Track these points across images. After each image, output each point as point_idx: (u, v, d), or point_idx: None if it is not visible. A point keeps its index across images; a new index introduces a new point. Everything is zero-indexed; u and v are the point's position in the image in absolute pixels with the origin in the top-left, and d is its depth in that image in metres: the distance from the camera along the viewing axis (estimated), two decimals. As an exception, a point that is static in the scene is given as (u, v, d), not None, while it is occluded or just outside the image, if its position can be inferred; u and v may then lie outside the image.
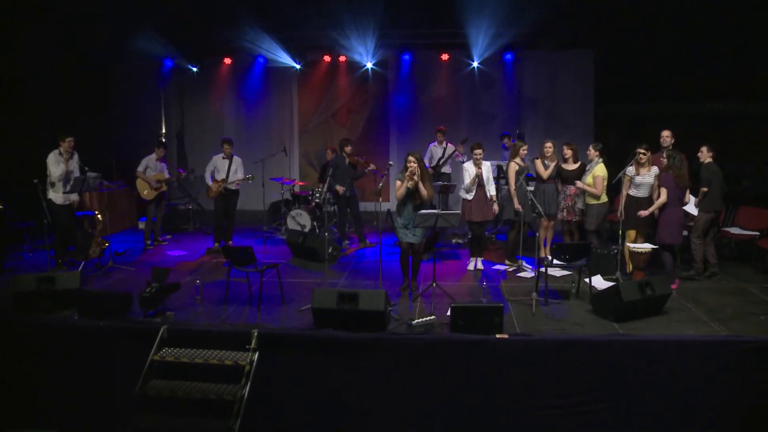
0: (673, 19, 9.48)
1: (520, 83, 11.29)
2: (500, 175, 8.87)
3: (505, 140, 9.73)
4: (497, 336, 4.96)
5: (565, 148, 7.39)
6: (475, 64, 10.96)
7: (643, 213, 6.55)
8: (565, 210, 7.36)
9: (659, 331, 5.26)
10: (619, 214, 6.80)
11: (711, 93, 10.25)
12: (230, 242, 8.66)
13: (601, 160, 7.13)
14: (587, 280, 6.35)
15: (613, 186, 7.07)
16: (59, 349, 5.20)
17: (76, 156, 7.55)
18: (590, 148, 7.25)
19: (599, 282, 6.52)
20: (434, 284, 6.18)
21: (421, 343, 4.96)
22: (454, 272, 7.40)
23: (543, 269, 6.22)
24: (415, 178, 6.12)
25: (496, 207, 7.40)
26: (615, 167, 7.22)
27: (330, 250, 7.53)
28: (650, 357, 4.82)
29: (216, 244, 8.54)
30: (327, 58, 11.40)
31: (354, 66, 11.36)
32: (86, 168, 7.53)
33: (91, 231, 7.88)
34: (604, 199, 7.11)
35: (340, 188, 8.45)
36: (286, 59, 11.24)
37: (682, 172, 6.44)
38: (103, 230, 7.66)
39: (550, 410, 4.81)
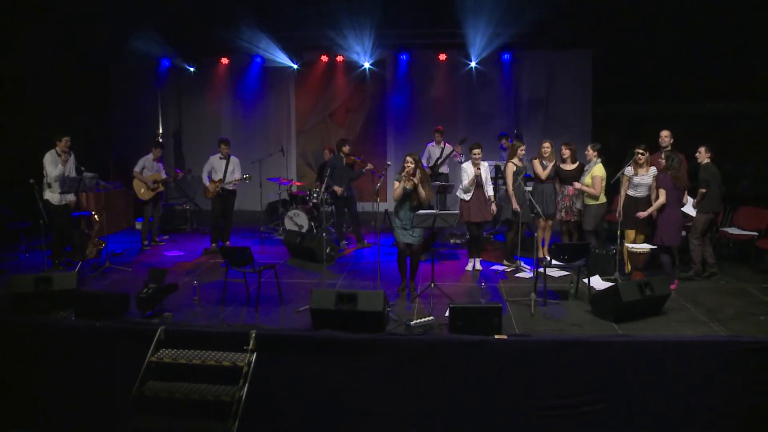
0: (673, 19, 9.48)
1: (518, 83, 11.28)
2: (498, 176, 8.85)
3: (503, 141, 9.72)
4: (496, 337, 4.94)
5: (563, 148, 7.37)
6: (473, 64, 10.95)
7: (642, 214, 6.54)
8: (563, 210, 7.35)
9: (659, 332, 5.25)
10: (617, 215, 6.79)
11: (711, 93, 10.25)
12: (228, 243, 8.64)
13: (599, 160, 7.11)
14: (586, 280, 6.34)
15: (612, 186, 7.06)
16: (56, 350, 5.16)
17: (72, 156, 7.51)
18: (588, 148, 7.24)
19: (598, 282, 6.51)
20: (433, 285, 6.16)
21: (419, 344, 4.93)
22: (453, 273, 7.38)
23: (541, 270, 6.20)
24: (414, 179, 6.10)
25: (494, 207, 7.38)
26: (614, 167, 7.21)
27: (328, 251, 7.51)
28: (650, 357, 4.80)
29: (213, 245, 8.51)
30: (324, 58, 11.39)
31: (351, 66, 11.35)
32: (83, 168, 7.50)
33: (88, 231, 7.84)
34: (603, 199, 7.09)
35: (338, 189, 8.42)
36: (283, 59, 11.22)
37: (680, 174, 6.43)
38: (100, 230, 7.62)
39: (549, 411, 4.79)
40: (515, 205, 7.26)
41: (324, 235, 7.08)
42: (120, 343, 5.09)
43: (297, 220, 9.05)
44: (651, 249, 6.42)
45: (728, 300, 6.13)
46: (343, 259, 8.05)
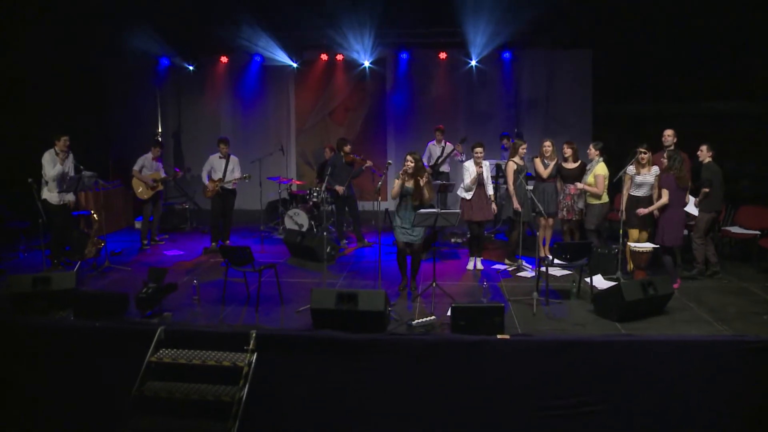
0: (673, 19, 9.46)
1: (518, 82, 11.26)
2: (499, 174, 8.82)
3: (505, 141, 9.68)
4: (498, 336, 4.91)
5: (565, 147, 7.35)
6: (473, 62, 10.92)
7: (643, 211, 6.51)
8: (564, 209, 7.32)
9: (662, 331, 5.23)
10: (620, 214, 6.76)
11: (711, 93, 10.21)
12: (227, 242, 8.60)
13: (601, 159, 7.09)
14: (587, 279, 6.31)
15: (614, 185, 7.04)
16: (56, 350, 5.13)
17: (71, 156, 7.47)
18: (590, 147, 7.21)
19: (600, 281, 6.48)
20: (434, 284, 6.13)
21: (421, 344, 4.91)
22: (454, 272, 7.36)
23: (543, 269, 6.17)
24: (412, 179, 6.08)
25: (494, 206, 7.36)
26: (614, 167, 7.18)
27: (328, 250, 7.48)
28: (653, 357, 4.78)
29: (213, 244, 8.48)
30: (324, 57, 11.35)
31: (351, 64, 11.31)
32: (81, 167, 7.46)
33: (87, 230, 7.80)
34: (605, 198, 7.07)
35: (339, 188, 8.39)
36: (283, 58, 11.18)
37: (682, 174, 6.41)
38: (99, 230, 7.59)
39: (551, 411, 4.77)
40: (516, 204, 7.24)
41: (324, 234, 7.05)
42: (119, 343, 5.06)
43: (297, 219, 9.02)
44: (653, 248, 6.39)
45: (731, 299, 6.11)
46: (343, 259, 8.03)
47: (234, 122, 11.86)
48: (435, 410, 4.82)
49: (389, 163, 7.64)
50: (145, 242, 8.73)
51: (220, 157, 8.48)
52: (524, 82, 11.27)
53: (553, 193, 7.45)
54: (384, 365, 4.89)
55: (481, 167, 7.17)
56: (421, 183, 6.18)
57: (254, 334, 4.85)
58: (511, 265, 7.47)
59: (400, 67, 11.33)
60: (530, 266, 7.33)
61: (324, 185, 7.55)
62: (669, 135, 7.01)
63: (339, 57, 11.22)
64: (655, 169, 6.67)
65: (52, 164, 7.29)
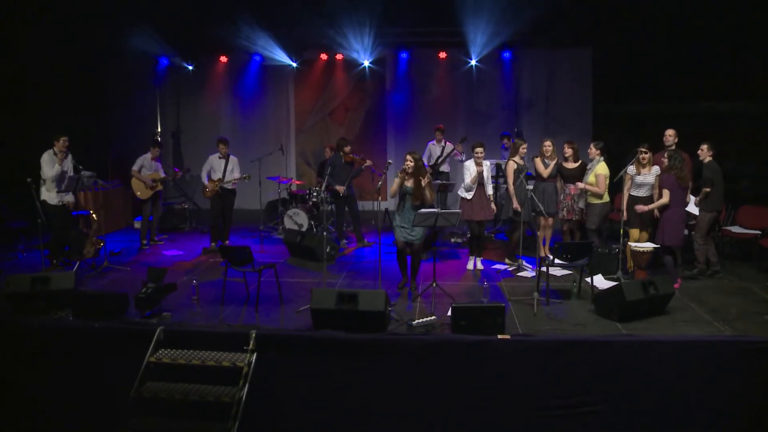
0: (673, 19, 9.46)
1: (518, 82, 11.25)
2: (499, 174, 8.81)
3: (505, 140, 9.67)
4: (499, 337, 4.89)
5: (565, 146, 7.33)
6: (473, 62, 10.91)
7: (641, 208, 6.49)
8: (564, 209, 7.31)
9: (663, 332, 5.21)
10: (621, 214, 6.74)
11: (711, 93, 10.22)
12: (227, 242, 8.58)
13: (602, 158, 7.07)
14: (588, 279, 6.29)
15: (615, 185, 7.02)
16: (54, 350, 5.11)
17: (69, 156, 7.45)
18: (591, 146, 7.20)
19: (600, 281, 6.47)
20: (434, 284, 6.11)
21: (421, 344, 4.89)
22: (454, 272, 7.34)
23: (544, 269, 6.16)
24: (422, 181, 6.07)
25: (493, 206, 7.35)
26: (614, 167, 7.17)
27: (328, 250, 7.46)
28: (653, 357, 4.77)
29: (213, 244, 8.46)
30: (324, 56, 11.34)
31: (351, 64, 11.30)
32: (80, 167, 7.44)
33: (86, 230, 7.78)
34: (606, 198, 7.05)
35: (340, 188, 8.37)
36: (282, 57, 11.16)
37: (683, 173, 6.40)
38: (98, 230, 7.56)
39: (552, 411, 4.76)
40: (515, 204, 7.22)
41: (324, 234, 7.03)
42: (118, 343, 5.04)
43: (297, 219, 9.00)
44: (654, 248, 6.37)
45: (732, 299, 6.09)
46: (343, 258, 8.01)
47: (233, 122, 11.84)
48: (435, 410, 4.81)
49: (389, 163, 7.61)
50: (145, 242, 8.70)
51: (220, 157, 8.46)
52: (524, 82, 11.26)
53: (553, 192, 7.44)
54: (384, 365, 4.87)
55: (482, 167, 7.15)
56: (423, 183, 6.17)
57: (254, 335, 4.83)
58: (511, 265, 7.45)
59: (399, 66, 11.32)
60: (530, 266, 7.31)
61: (324, 185, 7.53)
62: (670, 135, 6.99)
63: (339, 56, 11.20)
64: (656, 169, 6.65)
65: (50, 165, 7.27)
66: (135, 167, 8.59)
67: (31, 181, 6.88)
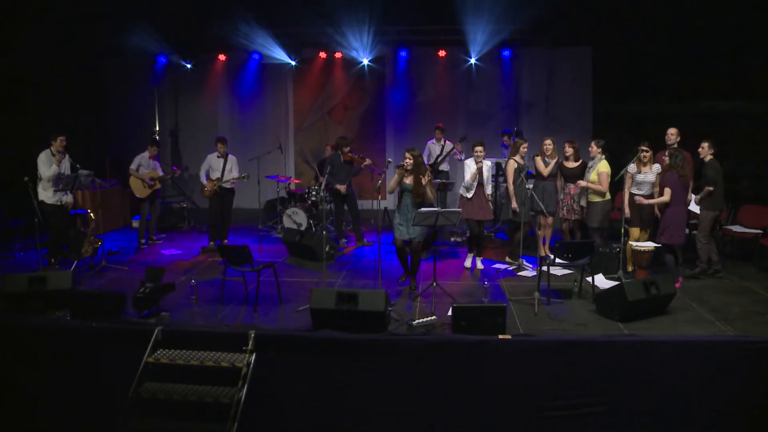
0: (673, 19, 9.44)
1: (518, 81, 11.22)
2: (499, 173, 8.78)
3: (505, 138, 9.65)
4: (500, 337, 4.86)
5: (566, 145, 7.31)
6: (473, 60, 10.87)
7: (642, 200, 6.46)
8: (564, 208, 7.28)
9: (664, 332, 5.19)
10: (622, 212, 6.71)
11: (711, 92, 10.20)
12: (226, 241, 8.54)
13: (603, 156, 7.05)
14: (589, 279, 6.26)
15: (615, 184, 6.99)
16: (52, 351, 5.07)
17: (67, 156, 7.40)
18: (592, 144, 7.18)
19: (601, 281, 6.44)
20: (434, 284, 6.07)
21: (422, 344, 4.86)
22: (454, 271, 7.31)
23: (544, 268, 6.12)
24: (423, 179, 6.04)
25: (490, 206, 7.33)
26: (614, 167, 7.15)
27: (327, 249, 7.43)
28: (655, 357, 4.75)
29: (211, 243, 8.43)
30: (323, 55, 11.30)
31: (350, 62, 11.26)
32: (78, 165, 7.39)
33: (84, 230, 7.73)
34: (608, 196, 7.03)
35: (341, 187, 8.33)
36: (281, 55, 11.12)
37: (685, 172, 6.38)
38: (96, 229, 7.52)
39: (552, 411, 4.73)
40: (514, 204, 7.19)
41: (323, 233, 6.99)
42: (116, 343, 5.00)
43: (295, 218, 8.96)
44: (655, 247, 6.35)
45: (734, 299, 6.07)
46: (342, 258, 7.97)
47: (232, 120, 11.80)
48: (435, 410, 4.78)
49: (389, 162, 7.58)
50: (143, 241, 8.66)
51: (218, 156, 8.43)
52: (524, 81, 11.24)
53: (553, 191, 7.41)
54: (384, 366, 4.85)
55: (481, 164, 7.12)
56: (423, 182, 6.14)
57: (253, 335, 4.79)
58: (512, 264, 7.43)
59: (399, 65, 11.28)
60: (531, 265, 7.28)
61: (323, 184, 7.50)
62: (672, 134, 6.96)
63: (338, 55, 11.17)
64: (656, 167, 6.63)
65: (47, 165, 7.22)
66: (133, 166, 8.55)
67: (28, 180, 6.84)
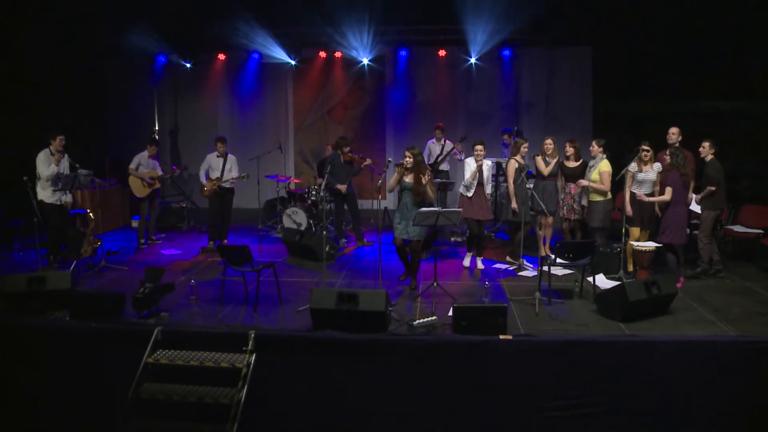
0: (673, 19, 9.43)
1: (518, 80, 11.21)
2: (499, 173, 8.76)
3: (505, 137, 9.64)
4: (501, 337, 4.85)
5: (567, 145, 7.29)
6: (473, 60, 10.85)
7: (643, 197, 6.44)
8: (565, 208, 7.27)
9: (666, 332, 5.17)
10: (626, 212, 6.68)
11: (710, 92, 10.20)
12: (225, 241, 8.53)
13: (605, 156, 7.03)
14: (590, 279, 6.25)
15: (616, 183, 6.98)
16: (51, 351, 5.05)
17: (66, 155, 7.38)
18: (593, 143, 7.16)
19: (602, 281, 6.43)
20: (435, 284, 6.06)
21: (422, 345, 4.85)
22: (454, 271, 7.29)
23: (545, 268, 6.11)
24: (423, 179, 6.02)
25: (490, 206, 7.32)
26: (614, 167, 7.14)
27: (327, 249, 7.41)
28: (657, 358, 4.73)
29: (211, 243, 8.41)
30: (323, 54, 11.28)
31: (350, 62, 11.25)
32: (77, 165, 7.37)
33: (83, 229, 7.71)
34: (609, 195, 7.02)
35: (341, 187, 8.31)
36: (281, 55, 11.10)
37: (686, 170, 6.36)
38: (96, 229, 7.49)
39: (554, 412, 4.72)
40: (514, 205, 7.18)
41: (323, 233, 6.98)
42: (116, 344, 4.98)
43: (295, 218, 8.94)
44: (656, 247, 6.33)
45: (735, 299, 6.06)
46: (342, 258, 7.95)
47: (232, 120, 11.78)
48: (436, 411, 4.76)
49: (389, 161, 7.57)
50: (142, 241, 8.64)
51: (218, 156, 8.41)
52: (524, 80, 11.23)
53: (554, 191, 7.40)
54: (385, 366, 4.83)
55: (481, 161, 7.10)
56: (423, 181, 6.12)
57: (253, 335, 4.77)
58: (513, 264, 7.41)
59: (399, 64, 11.26)
60: (531, 265, 7.26)
61: (324, 183, 7.48)
62: (674, 133, 6.95)
63: (338, 54, 11.15)
64: (657, 166, 6.63)
65: (46, 164, 7.20)
66: (132, 165, 8.53)
67: (27, 179, 6.81)
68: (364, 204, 10.15)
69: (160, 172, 8.76)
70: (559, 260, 6.09)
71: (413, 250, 6.35)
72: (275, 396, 4.77)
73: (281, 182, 9.70)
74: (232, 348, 4.76)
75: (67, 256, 7.41)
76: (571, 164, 7.26)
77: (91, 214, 7.58)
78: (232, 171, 8.45)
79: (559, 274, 6.95)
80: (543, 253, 7.21)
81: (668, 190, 6.32)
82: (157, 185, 8.73)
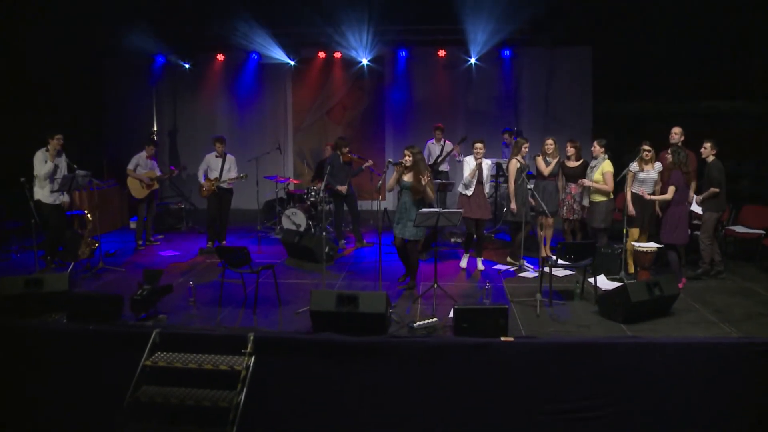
0: (673, 19, 9.42)
1: (518, 80, 11.18)
2: (500, 173, 8.72)
3: (506, 136, 9.61)
4: (502, 339, 4.81)
5: (568, 145, 7.27)
6: (473, 60, 10.82)
7: (646, 196, 6.42)
8: (565, 208, 7.24)
9: (669, 333, 5.15)
10: (628, 212, 6.65)
11: (710, 92, 10.19)
12: (224, 242, 8.49)
13: (606, 156, 7.01)
14: (591, 280, 6.22)
15: (617, 184, 6.95)
16: (48, 354, 5.01)
17: (63, 155, 7.34)
18: (595, 143, 7.13)
19: (603, 282, 6.40)
20: (435, 285, 6.02)
21: (423, 347, 4.82)
22: (454, 272, 7.26)
23: (546, 269, 6.08)
24: (423, 178, 5.98)
25: (488, 205, 7.30)
26: (614, 167, 7.11)
27: (327, 250, 7.37)
28: (658, 359, 4.71)
29: (209, 244, 8.37)
30: (322, 55, 11.25)
31: (349, 62, 11.21)
32: (75, 166, 7.33)
33: (81, 231, 7.67)
34: (611, 195, 6.99)
35: (341, 188, 8.28)
36: (280, 55, 11.06)
37: (687, 170, 6.34)
38: (93, 230, 7.46)
39: (555, 414, 4.68)
40: (513, 205, 7.15)
41: (323, 234, 6.94)
42: (113, 346, 4.94)
43: (294, 219, 8.90)
44: (658, 248, 6.30)
45: (737, 300, 6.04)
46: (342, 259, 7.92)
47: (230, 120, 11.74)
48: (436, 413, 4.73)
49: (389, 162, 7.53)
50: (140, 243, 8.60)
51: (217, 156, 8.38)
52: (524, 81, 11.20)
53: (554, 191, 7.37)
54: (385, 368, 4.80)
55: (481, 161, 7.07)
56: (423, 181, 6.08)
57: (252, 337, 4.74)
58: (513, 265, 7.38)
59: (398, 64, 11.23)
60: (532, 266, 7.23)
61: (323, 184, 7.44)
62: (676, 133, 6.93)
63: (337, 55, 11.12)
64: (658, 165, 6.63)
65: (42, 163, 7.17)
66: (130, 166, 8.49)
67: (25, 180, 6.78)
68: (363, 205, 10.12)
69: (158, 173, 8.72)
70: (560, 261, 6.06)
71: (409, 249, 6.31)
72: (275, 399, 4.73)
73: (280, 183, 9.67)
74: (231, 350, 4.73)
75: (64, 258, 7.38)
76: (572, 164, 7.23)
77: (88, 216, 7.55)
78: (230, 171, 8.42)
79: (560, 275, 6.91)
80: (544, 254, 7.17)
81: (671, 189, 6.29)
82: (156, 186, 8.69)
